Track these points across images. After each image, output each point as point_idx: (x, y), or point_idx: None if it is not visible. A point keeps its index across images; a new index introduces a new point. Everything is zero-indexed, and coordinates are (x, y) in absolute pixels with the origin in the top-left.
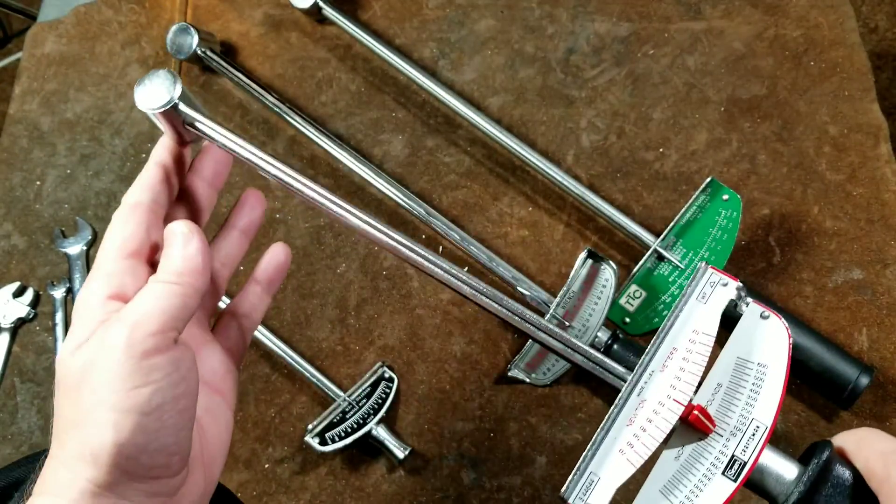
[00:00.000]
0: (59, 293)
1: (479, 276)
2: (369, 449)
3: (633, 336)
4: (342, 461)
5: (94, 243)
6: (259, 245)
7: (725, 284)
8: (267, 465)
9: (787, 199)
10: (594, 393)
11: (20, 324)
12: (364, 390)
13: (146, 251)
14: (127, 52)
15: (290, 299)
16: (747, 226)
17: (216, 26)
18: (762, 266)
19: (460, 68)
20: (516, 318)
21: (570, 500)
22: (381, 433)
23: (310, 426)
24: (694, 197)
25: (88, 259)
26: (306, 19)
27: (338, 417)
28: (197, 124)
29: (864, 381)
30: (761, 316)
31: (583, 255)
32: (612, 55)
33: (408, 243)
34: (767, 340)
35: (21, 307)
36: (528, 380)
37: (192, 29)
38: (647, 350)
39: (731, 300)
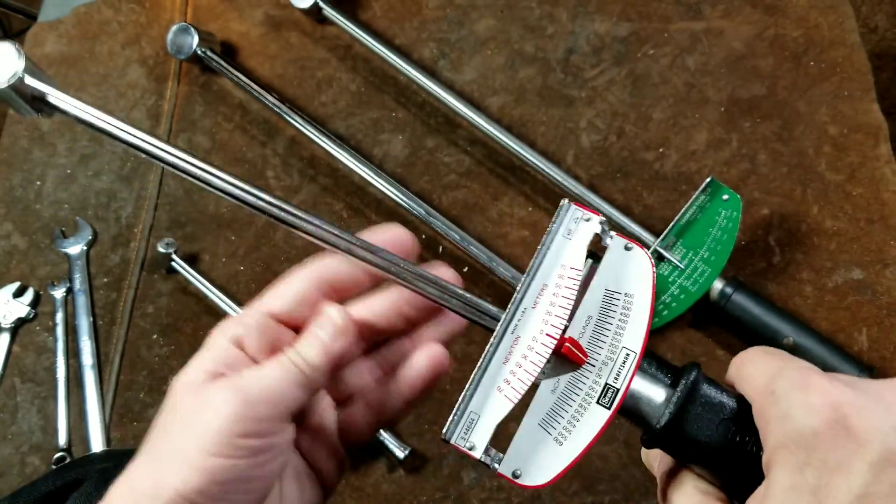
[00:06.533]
0: (59, 293)
1: (479, 276)
2: (369, 449)
3: None
4: None
5: (93, 243)
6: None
7: (588, 219)
8: None
9: (787, 199)
10: None
11: (20, 324)
12: None
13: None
14: (127, 53)
15: None
16: (747, 226)
17: (216, 26)
18: (762, 266)
19: (460, 68)
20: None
21: (452, 441)
22: (381, 433)
23: None
24: (694, 197)
25: (88, 259)
26: (306, 19)
27: None
28: (49, 98)
29: None
30: (625, 248)
31: None
32: (611, 55)
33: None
34: (633, 271)
35: (21, 307)
36: None
37: (192, 29)
38: (517, 289)
39: (595, 234)
